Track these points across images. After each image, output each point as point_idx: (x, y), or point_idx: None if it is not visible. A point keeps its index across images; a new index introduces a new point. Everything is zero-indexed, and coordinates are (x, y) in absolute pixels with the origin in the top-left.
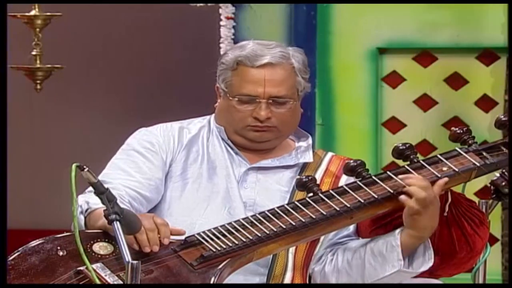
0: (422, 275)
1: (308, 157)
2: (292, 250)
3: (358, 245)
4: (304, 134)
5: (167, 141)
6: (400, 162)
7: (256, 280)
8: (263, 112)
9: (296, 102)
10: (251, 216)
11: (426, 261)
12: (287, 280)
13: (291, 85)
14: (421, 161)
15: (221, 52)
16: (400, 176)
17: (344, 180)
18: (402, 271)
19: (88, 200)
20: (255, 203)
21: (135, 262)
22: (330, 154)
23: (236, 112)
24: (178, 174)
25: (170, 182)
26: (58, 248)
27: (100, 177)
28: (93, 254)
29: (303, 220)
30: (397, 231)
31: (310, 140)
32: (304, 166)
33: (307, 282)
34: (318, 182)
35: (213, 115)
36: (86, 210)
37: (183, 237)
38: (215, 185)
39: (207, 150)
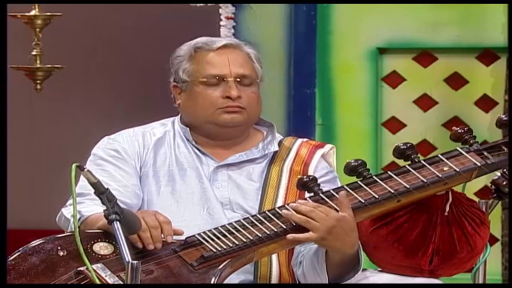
0: (422, 275)
1: (273, 147)
2: None
3: (312, 252)
4: (269, 124)
5: (132, 146)
6: (401, 162)
7: (246, 277)
8: (234, 91)
9: (259, 87)
10: (252, 216)
11: (349, 273)
12: (275, 276)
13: (252, 68)
14: (422, 161)
15: None
16: (284, 212)
17: (313, 166)
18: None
19: (80, 209)
20: (230, 202)
21: (135, 262)
22: (299, 141)
23: (204, 97)
24: (151, 177)
25: (145, 186)
26: (59, 248)
27: (77, 190)
28: (94, 254)
29: None
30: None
31: (275, 129)
32: (273, 156)
33: (295, 277)
34: (288, 172)
35: (176, 118)
36: (79, 219)
37: (183, 237)
38: (188, 186)
39: (174, 152)
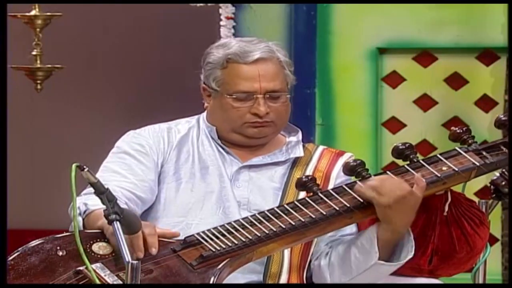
0: (422, 275)
1: (299, 152)
2: (287, 249)
3: (350, 238)
4: (294, 129)
5: (157, 142)
6: (401, 163)
7: (253, 278)
8: (262, 108)
9: (288, 95)
10: (251, 216)
11: (405, 254)
12: (283, 280)
13: (283, 79)
14: (420, 161)
15: None
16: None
17: (335, 173)
18: (380, 264)
19: (86, 201)
20: (248, 202)
21: (135, 262)
22: (321, 148)
23: (233, 110)
24: (171, 175)
25: (164, 183)
26: (58, 248)
27: None
28: (93, 254)
29: (303, 220)
30: (376, 224)
31: (300, 135)
32: (295, 161)
33: (304, 283)
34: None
35: (202, 115)
36: (84, 212)
37: (182, 237)
38: (208, 184)
39: (198, 150)
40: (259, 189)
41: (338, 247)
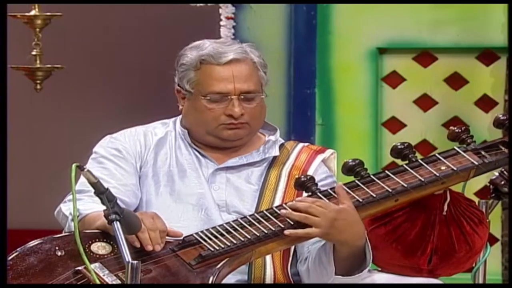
0: (421, 274)
1: (274, 152)
2: (269, 255)
3: (319, 248)
4: (273, 128)
5: (133, 145)
6: (400, 163)
7: (240, 277)
8: (237, 109)
9: (263, 96)
10: (250, 215)
11: (358, 268)
12: (269, 277)
13: (257, 80)
14: (419, 160)
15: None
16: (282, 212)
17: (312, 171)
18: (339, 278)
19: (78, 207)
20: (226, 204)
21: (135, 262)
22: (300, 145)
23: (207, 112)
24: (150, 178)
25: (144, 186)
26: (57, 248)
27: (77, 187)
28: (92, 254)
29: None
30: None
31: (278, 134)
32: (273, 160)
33: (291, 280)
34: (286, 176)
35: (177, 118)
36: (77, 217)
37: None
38: (187, 187)
39: (175, 153)
40: (236, 190)
41: (313, 253)
